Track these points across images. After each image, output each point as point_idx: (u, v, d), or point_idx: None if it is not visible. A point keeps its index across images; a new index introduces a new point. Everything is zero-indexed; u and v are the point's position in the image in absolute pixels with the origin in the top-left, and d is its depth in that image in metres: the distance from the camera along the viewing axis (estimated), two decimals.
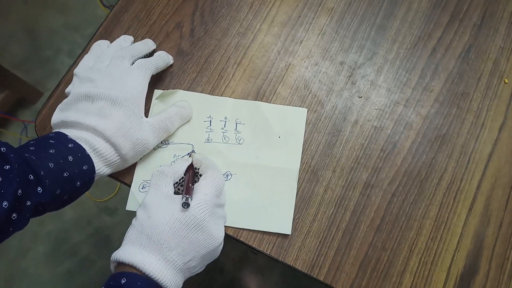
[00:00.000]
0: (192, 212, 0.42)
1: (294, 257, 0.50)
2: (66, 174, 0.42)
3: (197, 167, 0.50)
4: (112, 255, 0.42)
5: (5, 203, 0.36)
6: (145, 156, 0.52)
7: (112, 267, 0.43)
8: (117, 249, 0.42)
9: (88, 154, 0.45)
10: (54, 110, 0.50)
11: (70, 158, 0.43)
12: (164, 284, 0.40)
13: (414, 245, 0.50)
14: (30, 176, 0.39)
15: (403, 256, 0.50)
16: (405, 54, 0.58)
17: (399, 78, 0.57)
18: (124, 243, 0.42)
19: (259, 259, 1.27)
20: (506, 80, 0.57)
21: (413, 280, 0.49)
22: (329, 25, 0.59)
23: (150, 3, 0.60)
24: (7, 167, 0.37)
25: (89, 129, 0.46)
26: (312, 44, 0.59)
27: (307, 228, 0.51)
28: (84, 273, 1.29)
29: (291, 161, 0.53)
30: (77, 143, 0.44)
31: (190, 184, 0.46)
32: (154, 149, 0.52)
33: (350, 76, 0.57)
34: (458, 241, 0.51)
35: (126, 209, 0.50)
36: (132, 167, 0.52)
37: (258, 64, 0.57)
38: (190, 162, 0.50)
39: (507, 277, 0.49)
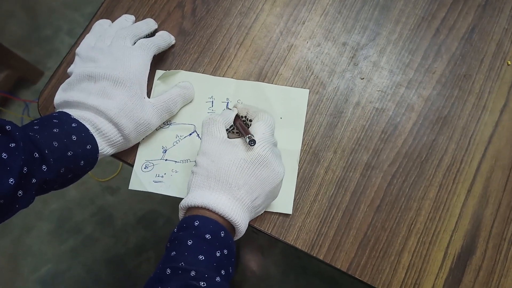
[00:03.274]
0: (256, 150, 0.43)
1: (295, 236, 0.51)
2: (70, 153, 0.43)
3: (243, 115, 0.50)
4: (181, 203, 0.43)
5: (11, 180, 0.36)
6: (148, 136, 0.52)
7: (181, 214, 0.44)
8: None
9: (92, 134, 0.45)
10: (57, 90, 0.50)
11: (73, 137, 0.43)
12: (235, 221, 0.41)
13: (413, 225, 0.51)
14: (35, 154, 0.39)
15: (401, 236, 0.51)
16: (408, 35, 0.58)
17: (402, 60, 0.57)
18: (191, 189, 0.43)
19: (259, 238, 1.29)
20: (509, 62, 0.57)
21: (411, 259, 0.50)
22: (332, 5, 0.59)
23: None
24: (13, 145, 0.37)
25: (92, 109, 0.46)
26: (315, 25, 0.58)
27: (308, 208, 0.52)
28: (87, 251, 1.31)
29: (292, 142, 0.53)
30: (81, 122, 0.45)
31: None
32: (157, 129, 0.53)
33: (352, 57, 0.57)
34: (457, 222, 0.51)
35: (129, 188, 0.51)
36: (135, 147, 0.52)
37: (260, 44, 0.57)
38: (236, 113, 0.50)
39: (504, 257, 0.50)
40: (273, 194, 0.46)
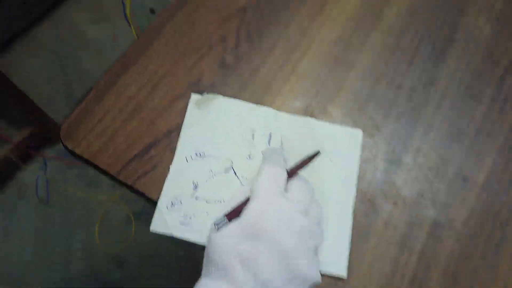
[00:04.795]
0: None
1: None
2: None
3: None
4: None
5: None
6: (177, 169, 0.45)
7: None
8: None
9: None
10: (80, 120, 0.44)
11: None
12: None
13: None
14: None
15: None
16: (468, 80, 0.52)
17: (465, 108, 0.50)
18: (201, 273, 0.39)
19: None
20: None
21: None
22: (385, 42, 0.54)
23: (193, 15, 0.57)
24: None
25: None
26: (366, 63, 0.53)
27: (366, 271, 0.41)
28: None
29: (344, 188, 0.45)
30: None
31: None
32: (188, 161, 0.45)
33: (409, 99, 0.51)
34: None
35: (151, 229, 0.42)
36: (162, 181, 0.45)
37: (306, 82, 0.52)
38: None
39: None
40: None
